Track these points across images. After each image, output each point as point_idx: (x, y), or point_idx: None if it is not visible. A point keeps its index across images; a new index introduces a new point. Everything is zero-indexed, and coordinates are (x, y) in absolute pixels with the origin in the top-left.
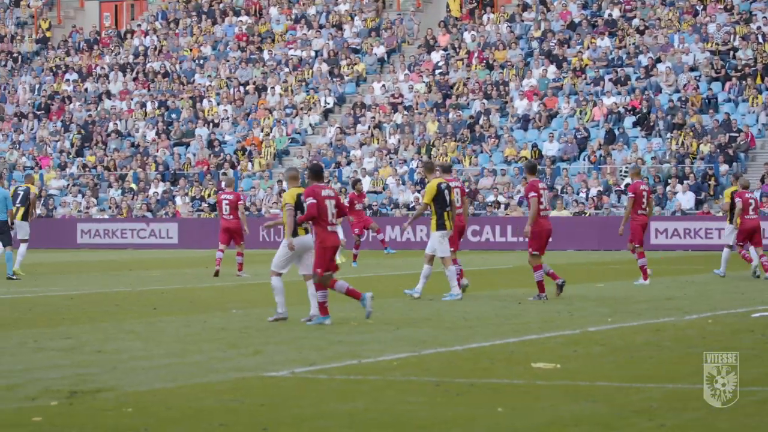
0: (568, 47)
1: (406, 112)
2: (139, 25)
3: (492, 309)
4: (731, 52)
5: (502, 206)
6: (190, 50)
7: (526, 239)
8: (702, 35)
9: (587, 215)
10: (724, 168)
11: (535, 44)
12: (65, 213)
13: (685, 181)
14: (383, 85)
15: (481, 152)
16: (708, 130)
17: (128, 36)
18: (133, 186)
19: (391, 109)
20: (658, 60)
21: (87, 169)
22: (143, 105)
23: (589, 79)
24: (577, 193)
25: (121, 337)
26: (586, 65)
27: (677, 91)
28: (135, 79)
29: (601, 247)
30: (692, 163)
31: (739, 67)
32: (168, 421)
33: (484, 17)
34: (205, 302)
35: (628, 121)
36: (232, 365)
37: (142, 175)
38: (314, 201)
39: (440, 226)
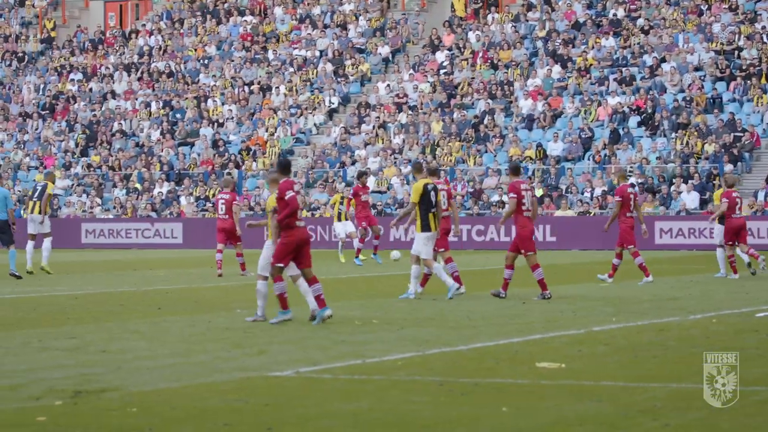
0: (573, 47)
1: (410, 112)
2: (144, 25)
3: (496, 309)
4: (736, 52)
5: (507, 206)
6: (195, 50)
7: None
8: (707, 35)
9: (592, 215)
10: (728, 168)
11: (539, 44)
12: (70, 213)
13: (689, 181)
14: (388, 85)
15: (486, 152)
16: (713, 129)
17: (133, 36)
18: (138, 186)
19: (395, 109)
20: (663, 60)
21: (91, 169)
22: (148, 105)
23: (594, 78)
24: (582, 193)
25: (126, 336)
26: (591, 65)
27: (682, 90)
28: (140, 79)
29: (605, 247)
30: (697, 163)
31: (744, 67)
32: (172, 421)
33: (489, 17)
34: (210, 302)
35: (633, 120)
36: (236, 365)
37: (147, 175)
38: (294, 193)
39: (425, 228)
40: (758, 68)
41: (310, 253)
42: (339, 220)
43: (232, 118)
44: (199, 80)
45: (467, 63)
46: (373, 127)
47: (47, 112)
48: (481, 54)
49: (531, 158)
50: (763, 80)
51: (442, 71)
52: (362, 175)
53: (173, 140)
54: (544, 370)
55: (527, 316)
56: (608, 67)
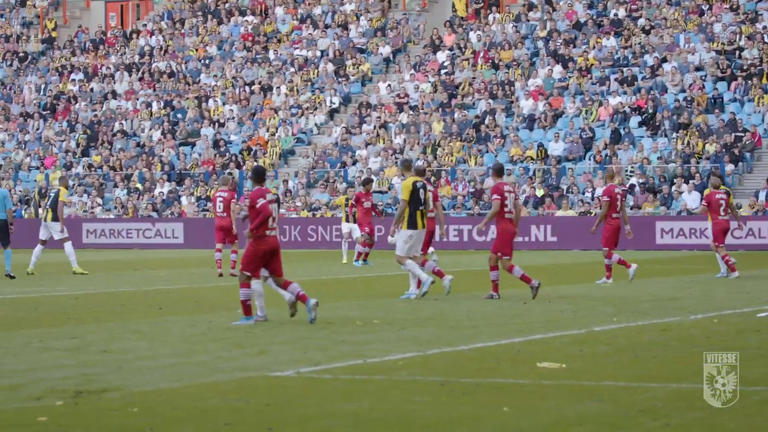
0: (574, 47)
1: (411, 112)
2: (145, 25)
3: (496, 309)
4: (737, 52)
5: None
6: (196, 50)
7: (480, 233)
8: (708, 35)
9: (593, 215)
10: (729, 168)
11: (540, 44)
12: (71, 213)
13: (690, 181)
14: (389, 85)
15: (487, 152)
16: (714, 129)
17: (134, 36)
18: (139, 186)
19: (396, 109)
20: (664, 60)
21: (92, 169)
22: (149, 105)
23: (595, 78)
24: (583, 193)
25: (127, 336)
26: (592, 65)
27: (683, 90)
28: (141, 79)
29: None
30: (698, 163)
31: (745, 67)
32: (173, 421)
33: (490, 17)
34: (211, 302)
35: (634, 120)
36: (237, 365)
37: (148, 175)
38: (266, 202)
39: (411, 225)
40: (759, 68)
41: (281, 261)
42: (347, 221)
43: (233, 118)
44: (200, 80)
45: (468, 63)
46: (374, 127)
47: (48, 112)
48: (482, 54)
49: (532, 158)
50: (764, 80)
51: (443, 71)
52: (368, 182)
53: (174, 140)
54: (545, 370)
55: (528, 316)
56: (609, 67)
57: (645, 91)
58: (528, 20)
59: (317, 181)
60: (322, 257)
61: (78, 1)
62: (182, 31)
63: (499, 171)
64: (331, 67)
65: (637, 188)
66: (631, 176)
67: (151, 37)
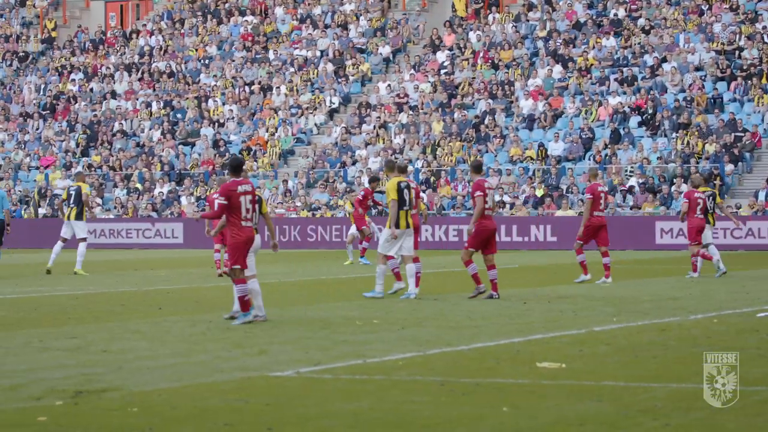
0: (574, 47)
1: (411, 112)
2: (145, 25)
3: (497, 308)
4: (737, 52)
5: (508, 206)
6: (196, 50)
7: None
8: (707, 35)
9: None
10: (729, 168)
11: (540, 44)
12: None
13: (690, 181)
14: (388, 85)
15: (487, 152)
16: (713, 129)
17: (134, 36)
18: (139, 186)
19: (396, 109)
20: (664, 60)
21: (92, 169)
22: (148, 105)
23: (595, 78)
24: (583, 193)
25: (127, 336)
26: (592, 65)
27: (683, 90)
28: (140, 79)
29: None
30: (698, 163)
31: (745, 67)
32: (173, 421)
33: (490, 17)
34: (211, 302)
35: (634, 120)
36: (237, 365)
37: (148, 175)
38: (225, 202)
39: (395, 225)
40: (759, 68)
41: (253, 256)
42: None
43: (233, 118)
44: (199, 80)
45: (468, 63)
46: (374, 127)
47: (48, 112)
48: (481, 54)
49: (532, 158)
50: (764, 80)
51: (442, 71)
52: (375, 180)
53: (174, 140)
54: (545, 370)
55: (528, 316)
56: (609, 67)
57: (645, 91)
58: (528, 20)
59: (317, 181)
60: (322, 257)
61: (78, 1)
62: (182, 31)
63: (477, 168)
64: (330, 67)
65: (636, 188)
66: (630, 176)
67: (150, 37)
